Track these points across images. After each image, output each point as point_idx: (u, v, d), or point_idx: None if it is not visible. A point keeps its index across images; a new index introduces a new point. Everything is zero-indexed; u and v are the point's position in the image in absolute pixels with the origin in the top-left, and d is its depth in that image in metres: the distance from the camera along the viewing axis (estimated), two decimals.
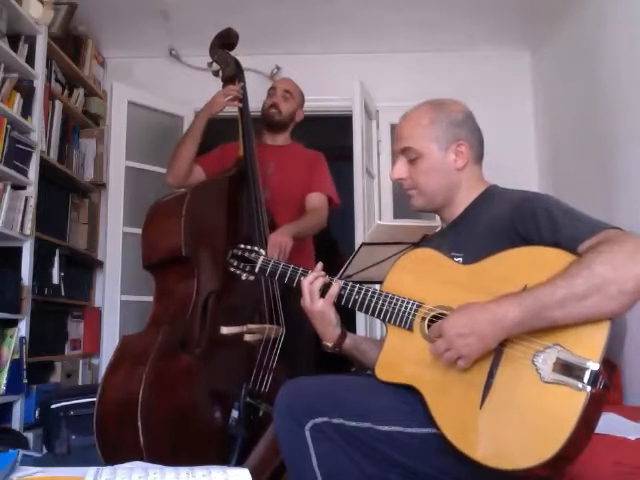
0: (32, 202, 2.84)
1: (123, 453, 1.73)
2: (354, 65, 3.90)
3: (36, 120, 2.94)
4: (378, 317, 1.40)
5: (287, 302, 2.27)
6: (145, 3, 3.46)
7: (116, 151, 3.68)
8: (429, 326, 1.32)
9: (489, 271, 1.29)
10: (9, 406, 2.70)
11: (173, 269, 2.16)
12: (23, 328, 2.75)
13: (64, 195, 3.45)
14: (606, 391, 1.13)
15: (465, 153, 1.46)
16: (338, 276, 1.67)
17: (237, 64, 2.63)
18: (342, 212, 3.21)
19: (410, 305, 1.36)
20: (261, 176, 2.47)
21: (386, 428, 1.27)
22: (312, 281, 1.47)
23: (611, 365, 1.14)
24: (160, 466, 1.00)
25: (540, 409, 1.14)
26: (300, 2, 3.46)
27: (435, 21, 3.64)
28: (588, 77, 3.32)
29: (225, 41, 2.60)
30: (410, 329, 1.35)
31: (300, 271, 1.51)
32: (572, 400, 1.11)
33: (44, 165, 3.03)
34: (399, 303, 1.37)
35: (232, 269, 1.62)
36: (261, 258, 1.58)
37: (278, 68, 3.94)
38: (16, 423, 2.70)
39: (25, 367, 2.71)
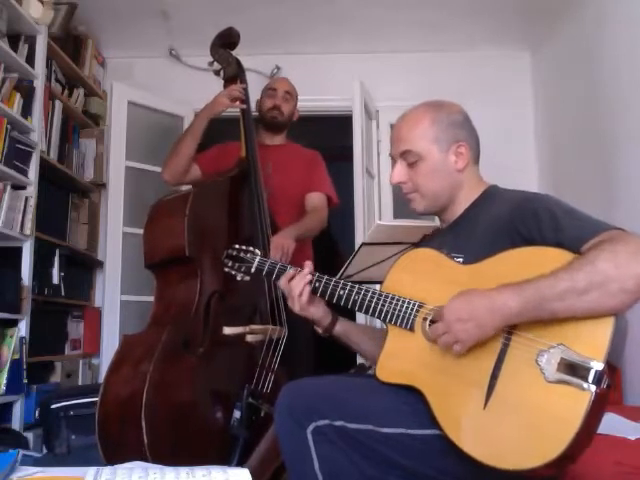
0: (32, 202, 2.83)
1: (125, 453, 1.72)
2: (354, 65, 3.90)
3: (36, 120, 2.94)
4: (379, 318, 1.39)
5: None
6: (145, 3, 3.46)
7: (116, 151, 3.68)
8: (430, 326, 1.32)
9: (490, 271, 1.29)
10: (9, 406, 2.70)
11: (175, 269, 2.16)
12: (23, 328, 2.75)
13: (64, 195, 3.45)
14: (609, 390, 1.13)
15: (465, 154, 1.45)
16: (338, 276, 1.67)
17: (238, 64, 2.63)
18: (342, 212, 3.21)
19: (411, 305, 1.35)
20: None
21: (388, 430, 1.27)
22: (287, 282, 1.48)
23: (611, 368, 1.14)
24: (160, 466, 1.01)
25: (544, 409, 1.14)
26: (300, 2, 3.46)
27: (435, 21, 3.64)
28: (588, 77, 3.32)
29: (226, 40, 2.60)
30: (411, 329, 1.35)
31: (298, 271, 1.51)
32: (577, 400, 1.11)
33: (44, 165, 3.03)
34: (400, 303, 1.37)
35: (227, 269, 1.62)
36: (257, 258, 1.58)
37: (278, 68, 3.94)
38: (16, 423, 2.70)
39: (25, 367, 2.71)
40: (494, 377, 1.20)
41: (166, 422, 1.87)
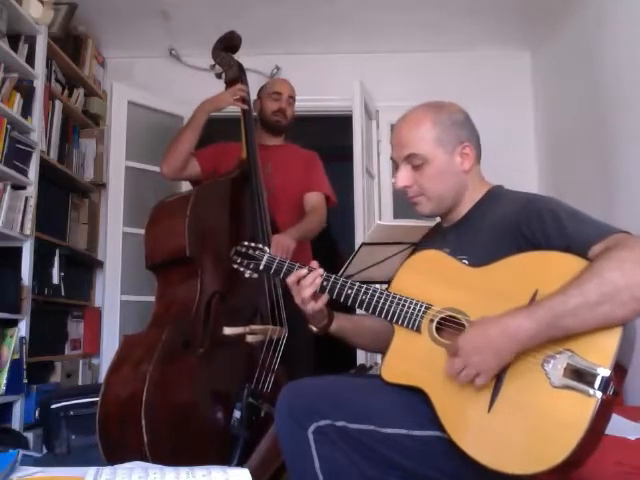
0: (32, 202, 2.83)
1: (126, 453, 1.72)
2: (354, 65, 3.90)
3: (36, 120, 2.94)
4: (385, 318, 1.39)
5: (289, 302, 2.27)
6: (145, 3, 3.46)
7: (116, 151, 3.68)
8: (437, 328, 1.32)
9: (498, 274, 1.28)
10: (9, 406, 2.70)
11: (176, 269, 2.16)
12: (23, 328, 2.75)
13: (64, 195, 3.45)
14: (615, 397, 1.13)
15: (470, 155, 1.45)
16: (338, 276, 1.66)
17: (240, 67, 2.64)
18: (342, 212, 3.21)
19: (418, 306, 1.35)
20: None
21: (389, 430, 1.27)
22: (296, 280, 1.46)
23: (622, 369, 1.15)
24: (160, 466, 1.01)
25: (549, 414, 1.13)
26: (300, 2, 3.46)
27: (435, 21, 3.64)
28: (588, 77, 3.32)
29: (228, 44, 2.61)
30: (418, 330, 1.34)
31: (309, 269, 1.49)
32: (582, 406, 1.11)
33: (44, 165, 3.03)
34: (407, 304, 1.36)
35: (235, 266, 1.58)
36: (266, 256, 1.55)
37: (278, 68, 3.94)
38: (16, 423, 2.70)
39: (25, 367, 2.71)
40: (499, 381, 1.20)
41: (166, 422, 1.87)
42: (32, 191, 2.87)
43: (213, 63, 2.60)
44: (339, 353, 3.24)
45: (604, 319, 1.12)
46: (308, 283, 1.44)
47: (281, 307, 2.27)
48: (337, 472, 1.27)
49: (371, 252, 2.05)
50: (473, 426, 1.20)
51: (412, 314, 1.35)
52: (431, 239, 1.60)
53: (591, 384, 1.11)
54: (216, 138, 2.78)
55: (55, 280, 3.21)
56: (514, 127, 3.94)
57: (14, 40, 2.89)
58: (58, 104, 3.29)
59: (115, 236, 3.60)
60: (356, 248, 2.14)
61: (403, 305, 1.36)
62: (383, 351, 1.41)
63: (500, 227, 1.35)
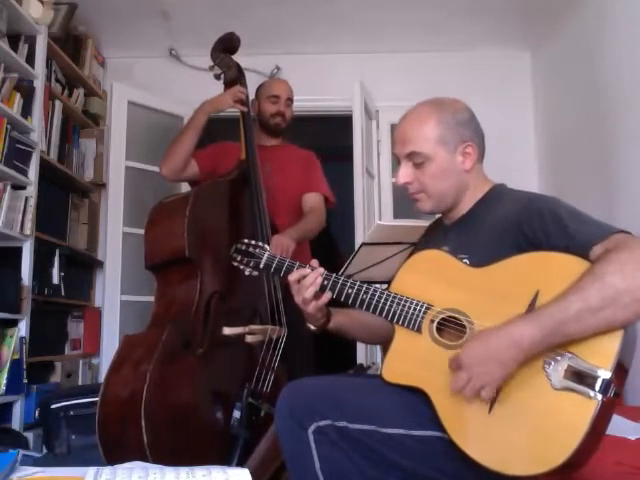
0: (32, 202, 2.83)
1: (126, 453, 1.72)
2: (354, 65, 3.91)
3: (36, 120, 2.94)
4: (386, 318, 1.38)
5: (288, 302, 2.27)
6: (145, 3, 3.46)
7: (116, 151, 3.68)
8: (438, 328, 1.32)
9: (499, 274, 1.28)
10: (9, 406, 2.70)
11: (176, 270, 2.16)
12: (23, 328, 2.75)
13: (64, 195, 3.45)
14: (616, 398, 1.13)
15: (472, 154, 1.44)
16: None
17: (239, 68, 2.64)
18: (342, 212, 3.21)
19: (419, 307, 1.34)
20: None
21: (389, 430, 1.27)
22: (296, 279, 1.45)
23: (623, 370, 1.14)
24: (160, 466, 1.01)
25: (550, 416, 1.13)
26: (300, 2, 3.46)
27: (435, 21, 3.64)
28: (588, 77, 3.32)
29: (227, 45, 2.61)
30: (418, 331, 1.34)
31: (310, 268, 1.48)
32: (583, 408, 1.11)
33: (44, 165, 3.03)
34: (407, 304, 1.36)
35: (235, 264, 1.57)
36: (266, 254, 1.54)
37: (278, 68, 3.94)
38: (16, 423, 2.70)
39: (25, 367, 2.71)
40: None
41: (166, 422, 1.87)
42: (32, 191, 2.87)
43: (212, 64, 2.61)
44: (339, 352, 3.25)
45: (606, 323, 1.12)
46: (309, 282, 1.44)
47: (280, 307, 2.27)
48: (337, 472, 1.27)
49: (371, 252, 2.06)
50: (474, 427, 1.20)
51: (413, 314, 1.34)
52: (432, 235, 1.60)
53: (592, 386, 1.11)
54: (215, 138, 2.78)
55: (55, 280, 3.21)
56: (514, 127, 3.94)
57: (14, 40, 2.89)
58: (58, 104, 3.28)
59: (115, 236, 3.60)
60: (356, 248, 2.14)
61: (404, 305, 1.36)
62: (382, 344, 1.41)
63: (501, 226, 1.35)
